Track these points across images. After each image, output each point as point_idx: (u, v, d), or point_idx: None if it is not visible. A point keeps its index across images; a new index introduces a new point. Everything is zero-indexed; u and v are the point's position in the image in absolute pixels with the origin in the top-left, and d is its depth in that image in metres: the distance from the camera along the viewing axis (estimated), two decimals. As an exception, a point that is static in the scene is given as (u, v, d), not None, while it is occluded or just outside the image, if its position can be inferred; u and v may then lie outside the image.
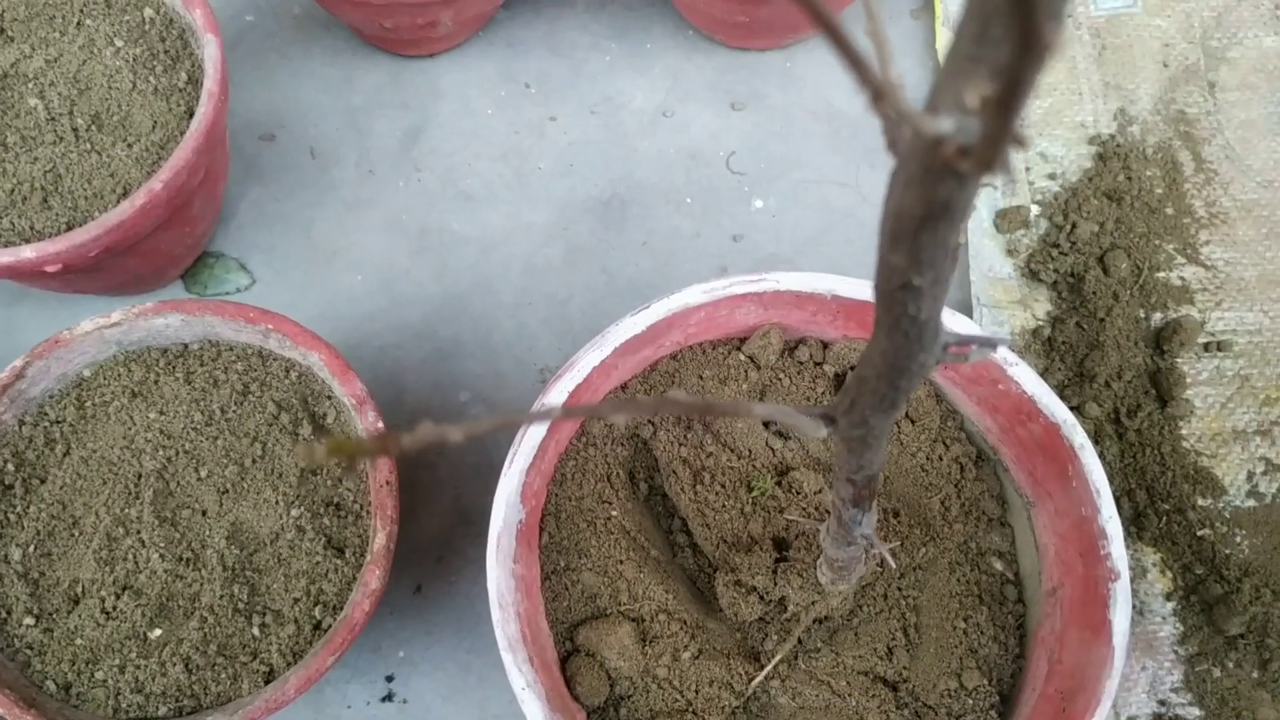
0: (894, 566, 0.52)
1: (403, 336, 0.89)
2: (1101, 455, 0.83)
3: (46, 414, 0.71)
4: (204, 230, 0.86)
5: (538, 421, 0.62)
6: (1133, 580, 0.81)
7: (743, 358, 0.69)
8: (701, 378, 0.68)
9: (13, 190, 0.75)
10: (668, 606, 0.63)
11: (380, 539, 0.67)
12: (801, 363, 0.69)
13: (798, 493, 0.65)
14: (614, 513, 0.65)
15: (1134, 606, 0.80)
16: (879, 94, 0.21)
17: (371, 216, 0.93)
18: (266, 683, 0.66)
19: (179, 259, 0.86)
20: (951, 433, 0.69)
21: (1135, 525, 0.82)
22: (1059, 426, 0.63)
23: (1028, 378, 0.63)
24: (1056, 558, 0.65)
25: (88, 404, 0.72)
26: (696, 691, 0.61)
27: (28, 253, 0.71)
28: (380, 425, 0.69)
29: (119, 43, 0.80)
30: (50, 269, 0.72)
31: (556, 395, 0.64)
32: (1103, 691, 0.58)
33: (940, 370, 0.68)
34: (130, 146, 0.77)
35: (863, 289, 0.66)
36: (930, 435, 0.68)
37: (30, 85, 0.78)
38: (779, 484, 0.65)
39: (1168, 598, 0.81)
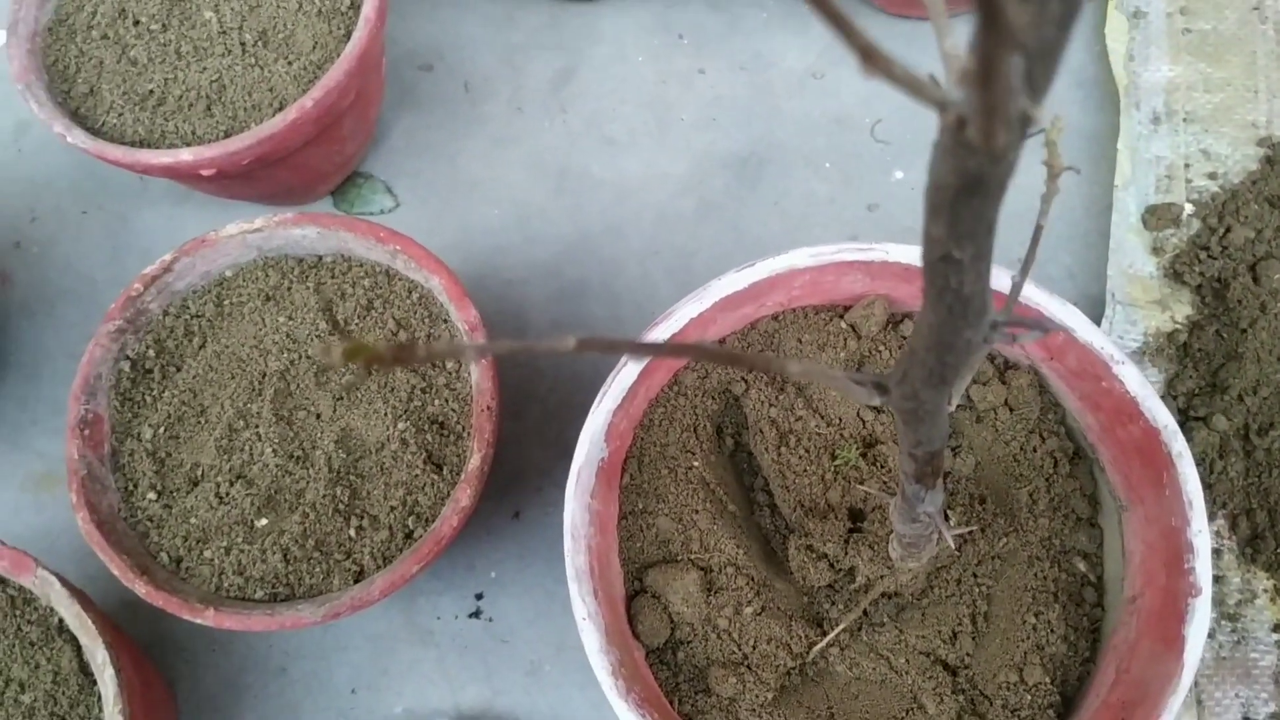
0: (953, 548, 0.52)
1: (531, 272, 0.91)
2: (1224, 471, 0.80)
3: (188, 307, 0.77)
4: (354, 151, 0.90)
5: (631, 355, 0.64)
6: (1239, 604, 0.78)
7: (844, 325, 0.69)
8: (800, 341, 0.68)
9: (181, 96, 0.80)
10: (737, 560, 0.64)
11: (475, 460, 0.69)
12: (905, 337, 0.68)
13: (881, 466, 0.65)
14: (696, 463, 0.66)
15: (1235, 632, 0.77)
16: (867, 56, 0.22)
17: (515, 153, 0.96)
18: (356, 582, 0.70)
19: (329, 176, 0.90)
20: (1051, 425, 0.67)
21: (1251, 547, 0.79)
22: (1159, 431, 0.61)
23: (1132, 377, 0.61)
24: (1141, 565, 0.63)
25: (226, 302, 0.77)
26: (754, 647, 0.62)
27: (186, 155, 0.76)
28: (490, 354, 0.72)
29: (291, -36, 0.84)
30: (205, 173, 0.77)
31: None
32: (1165, 707, 0.56)
33: (1046, 361, 0.67)
34: (290, 64, 0.81)
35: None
36: (1028, 426, 0.67)
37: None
38: (864, 455, 0.65)
39: (1275, 628, 0.77)
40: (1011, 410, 0.67)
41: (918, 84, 0.23)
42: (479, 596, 0.83)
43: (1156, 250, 0.88)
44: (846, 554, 0.62)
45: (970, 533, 0.61)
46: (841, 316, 0.69)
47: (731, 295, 0.65)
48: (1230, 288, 0.84)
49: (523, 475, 0.86)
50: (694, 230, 0.91)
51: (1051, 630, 0.63)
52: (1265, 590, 0.78)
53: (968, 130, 0.23)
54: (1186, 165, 0.90)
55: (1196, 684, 0.76)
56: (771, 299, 0.68)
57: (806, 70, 0.96)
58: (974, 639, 0.63)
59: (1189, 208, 0.88)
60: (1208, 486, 0.80)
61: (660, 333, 0.65)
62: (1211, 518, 0.80)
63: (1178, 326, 0.85)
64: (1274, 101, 0.91)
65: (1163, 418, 0.61)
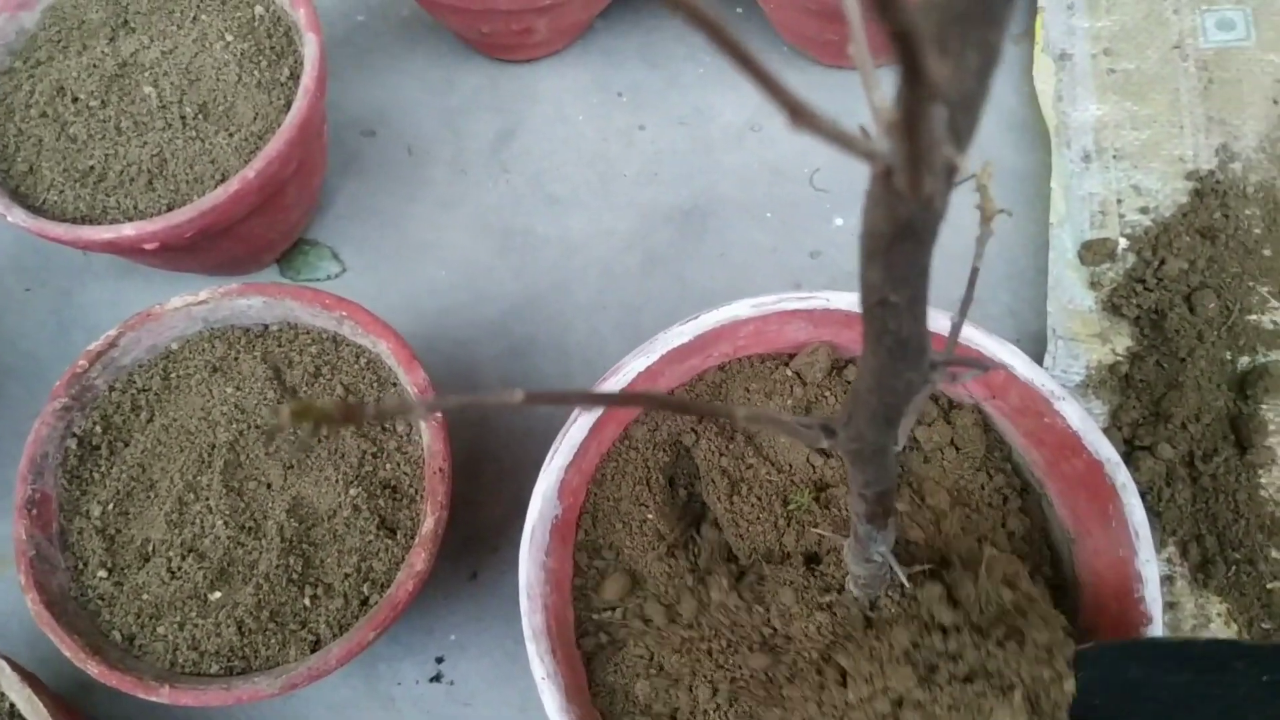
0: (909, 587, 0.52)
1: (480, 332, 0.92)
2: (1172, 498, 0.81)
3: (135, 382, 0.76)
4: (298, 219, 0.90)
5: (580, 407, 0.64)
6: (1195, 629, 0.79)
7: (790, 373, 0.69)
8: (748, 390, 0.69)
9: (122, 171, 0.80)
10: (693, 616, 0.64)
11: (429, 523, 0.69)
12: (849, 381, 0.69)
13: (834, 509, 0.65)
14: (650, 515, 0.67)
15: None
16: (794, 112, 0.22)
17: (460, 214, 0.96)
18: (312, 651, 0.69)
19: (274, 244, 0.90)
20: (997, 463, 0.68)
21: (1202, 572, 0.80)
22: (1102, 464, 0.62)
23: (1073, 413, 0.63)
24: (1093, 598, 0.63)
25: (173, 375, 0.77)
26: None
27: (128, 230, 0.76)
28: (440, 415, 0.72)
29: (229, 37, 0.85)
30: (148, 246, 0.77)
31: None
32: (1125, 736, 0.57)
33: (989, 399, 0.68)
34: (231, 135, 0.82)
35: (913, 312, 0.66)
36: (974, 464, 0.68)
37: (146, 74, 0.84)
38: (816, 499, 0.65)
39: (1231, 651, 0.78)
40: (958, 449, 0.68)
41: (845, 137, 0.23)
42: (439, 660, 0.82)
43: (1094, 285, 0.89)
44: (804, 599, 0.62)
45: (924, 571, 0.61)
46: (787, 364, 0.70)
47: (678, 348, 0.66)
48: (1167, 318, 0.86)
49: (479, 536, 0.86)
50: (640, 284, 0.92)
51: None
52: (1219, 614, 0.79)
53: (895, 180, 0.24)
54: (1119, 201, 0.92)
55: (1157, 712, 0.77)
56: (717, 350, 0.69)
57: (745, 123, 0.98)
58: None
59: (1123, 242, 0.90)
60: (1156, 514, 0.81)
61: (609, 387, 0.65)
62: (1162, 545, 0.81)
63: (1119, 358, 0.87)
64: (1199, 136, 0.94)
65: (1105, 451, 0.62)
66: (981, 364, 0.38)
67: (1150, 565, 0.60)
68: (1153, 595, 0.59)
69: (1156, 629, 0.59)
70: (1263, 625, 0.78)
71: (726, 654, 0.61)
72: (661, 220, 0.95)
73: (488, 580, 0.85)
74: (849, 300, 0.66)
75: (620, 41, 1.02)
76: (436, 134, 0.99)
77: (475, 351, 0.91)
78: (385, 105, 1.01)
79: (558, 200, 0.96)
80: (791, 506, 0.65)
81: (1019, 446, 0.68)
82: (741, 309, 0.66)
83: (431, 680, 0.82)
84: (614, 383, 0.65)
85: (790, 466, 0.67)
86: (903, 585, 0.56)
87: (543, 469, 0.64)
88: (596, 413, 0.65)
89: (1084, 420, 0.62)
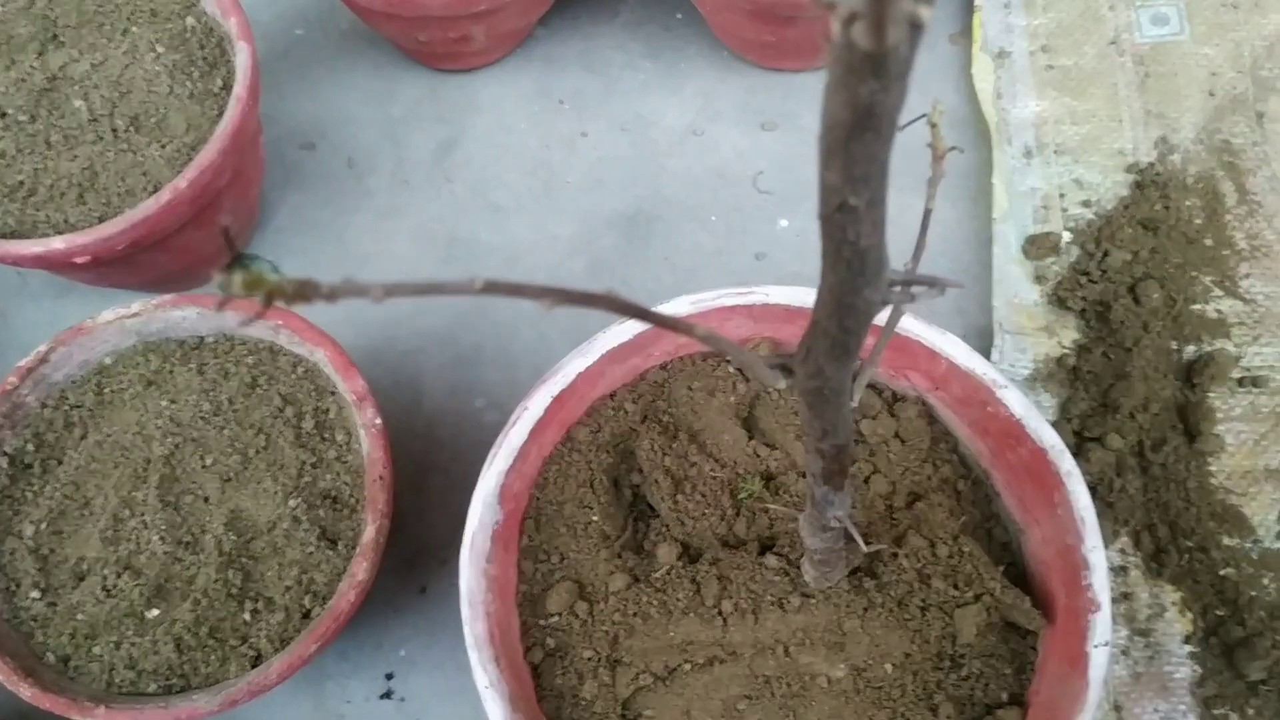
0: (864, 549, 0.51)
1: (425, 341, 0.91)
2: (1123, 489, 0.81)
3: (67, 398, 0.75)
4: (236, 231, 0.89)
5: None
6: (1150, 619, 0.79)
7: (732, 370, 0.69)
8: (690, 389, 0.68)
9: (52, 185, 0.79)
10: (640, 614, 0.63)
11: (369, 532, 0.68)
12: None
13: (785, 494, 0.64)
14: (594, 518, 0.66)
15: (1149, 646, 0.77)
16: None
17: (403, 225, 0.95)
18: (253, 666, 0.67)
19: (212, 258, 0.89)
20: (943, 454, 0.68)
21: (1155, 561, 0.80)
22: (1046, 451, 0.61)
23: (1016, 401, 0.62)
24: (1042, 588, 0.63)
25: (106, 390, 0.75)
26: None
27: (57, 244, 0.74)
28: (379, 422, 0.71)
29: (160, 49, 0.83)
30: (79, 260, 0.75)
31: (540, 400, 0.64)
32: (1074, 722, 0.56)
33: (932, 391, 0.67)
34: (164, 147, 0.80)
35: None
36: (920, 455, 0.67)
37: (76, 88, 0.82)
38: (765, 487, 0.65)
39: (1186, 640, 0.78)
40: (903, 441, 0.67)
41: None
42: (389, 676, 0.81)
43: (1039, 279, 0.90)
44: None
45: (881, 551, 0.61)
46: (729, 361, 0.70)
47: (618, 347, 0.65)
48: (1112, 309, 0.86)
49: (427, 549, 0.84)
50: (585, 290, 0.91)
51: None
52: (1173, 603, 0.79)
53: (857, 31, 0.23)
54: (1061, 195, 0.92)
55: (1118, 705, 0.76)
56: (658, 348, 0.68)
57: (687, 128, 0.98)
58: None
59: (1067, 235, 0.91)
60: (1108, 505, 0.81)
61: (551, 388, 0.65)
62: (1115, 536, 0.81)
63: (1066, 351, 0.87)
64: (1138, 129, 0.94)
65: (1049, 438, 0.61)
66: (938, 282, 0.37)
67: (1097, 551, 0.59)
68: (1100, 582, 0.59)
69: (1105, 616, 0.58)
70: (1216, 612, 0.78)
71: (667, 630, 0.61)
72: (605, 226, 0.94)
73: (437, 593, 0.83)
74: (789, 294, 0.65)
75: (561, 49, 1.02)
76: (377, 145, 0.98)
77: (421, 361, 0.90)
78: (325, 118, 1.00)
79: (501, 208, 0.95)
80: (742, 496, 0.64)
81: (964, 438, 0.68)
82: (681, 306, 0.65)
83: (382, 697, 0.80)
84: (554, 383, 0.64)
85: (735, 462, 0.66)
86: (859, 564, 0.56)
87: (482, 473, 0.63)
88: (537, 413, 0.64)
89: (1026, 408, 0.62)
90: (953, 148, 0.42)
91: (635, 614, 0.62)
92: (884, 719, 0.59)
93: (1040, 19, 1.00)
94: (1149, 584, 0.80)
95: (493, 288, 0.28)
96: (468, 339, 0.91)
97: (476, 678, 0.59)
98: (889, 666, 0.59)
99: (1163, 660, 0.78)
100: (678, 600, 0.62)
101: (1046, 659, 0.61)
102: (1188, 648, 0.78)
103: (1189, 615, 0.79)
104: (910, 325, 0.64)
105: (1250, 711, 0.76)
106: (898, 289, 0.36)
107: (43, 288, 0.94)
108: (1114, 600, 0.79)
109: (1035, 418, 0.62)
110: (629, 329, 0.65)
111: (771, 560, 0.62)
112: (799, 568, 0.61)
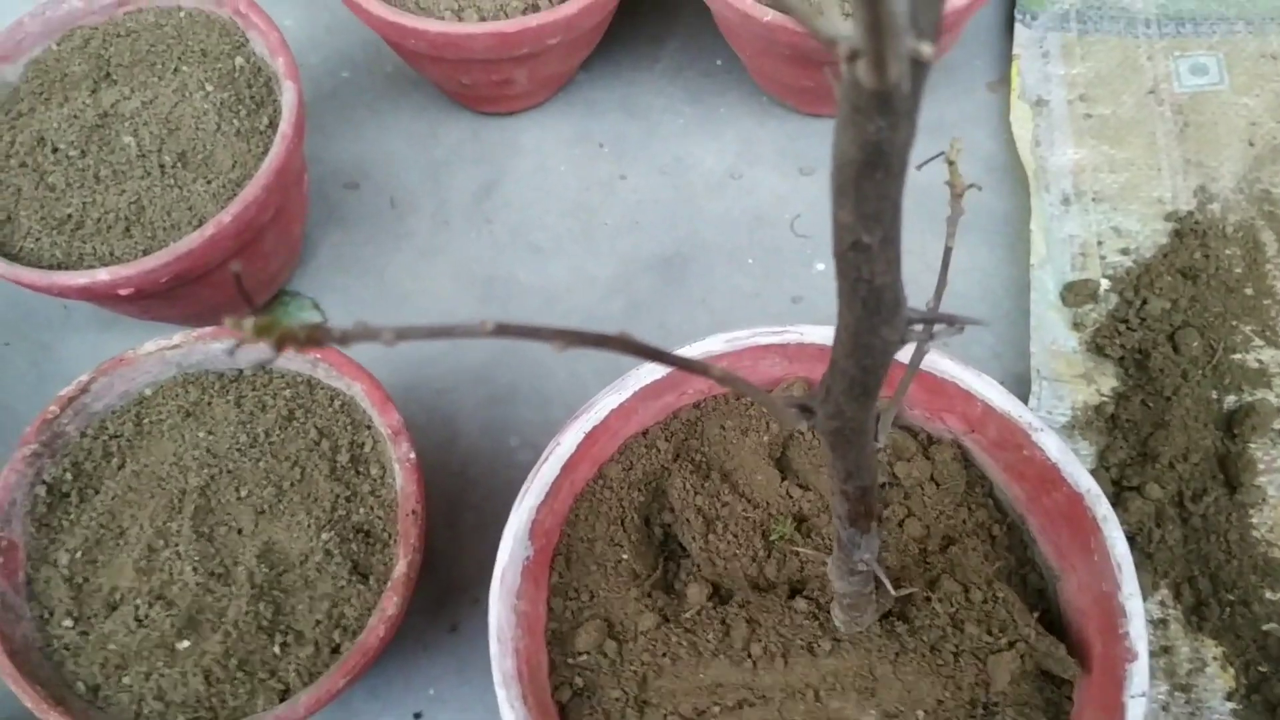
0: (893, 594, 0.51)
1: (460, 380, 0.91)
2: (1163, 539, 0.79)
3: (106, 428, 0.75)
4: (278, 268, 0.90)
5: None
6: (1190, 674, 0.77)
7: (765, 409, 0.69)
8: (724, 428, 0.68)
9: (99, 219, 0.80)
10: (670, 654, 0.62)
11: (401, 567, 0.68)
12: (827, 418, 0.68)
13: (816, 537, 0.64)
14: (625, 556, 0.65)
15: (1190, 703, 0.76)
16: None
17: (442, 264, 0.96)
18: (281, 700, 0.67)
19: (253, 293, 0.90)
20: (978, 498, 0.67)
21: (1196, 615, 0.78)
22: (1082, 496, 0.60)
23: (1052, 444, 0.62)
24: (1078, 636, 0.62)
25: (145, 421, 0.76)
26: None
27: (103, 275, 0.76)
28: (414, 456, 0.71)
29: (209, 87, 0.85)
30: (123, 292, 0.77)
31: (572, 436, 0.64)
32: (1111, 776, 0.55)
33: (967, 434, 0.67)
34: (209, 183, 0.82)
35: (888, 345, 0.65)
36: (955, 499, 0.67)
37: (126, 124, 0.84)
38: (798, 529, 0.64)
39: (1228, 696, 0.76)
40: (938, 485, 0.67)
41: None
42: (418, 716, 0.80)
43: (1077, 325, 0.89)
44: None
45: (914, 595, 0.60)
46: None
47: (651, 384, 0.65)
48: (1151, 358, 0.85)
49: (458, 587, 0.84)
50: (622, 330, 0.91)
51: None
52: (1215, 658, 0.77)
53: (859, 66, 0.23)
54: (1099, 243, 0.92)
55: (1154, 759, 0.75)
56: (692, 386, 0.68)
57: (725, 171, 0.98)
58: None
59: (1105, 283, 0.90)
60: (1147, 556, 0.79)
61: (583, 424, 0.65)
62: (1155, 588, 0.79)
63: (1104, 399, 0.86)
64: (1177, 178, 0.94)
65: (1085, 482, 0.61)
66: (958, 320, 0.37)
67: (1134, 600, 0.58)
68: (1138, 631, 0.58)
69: (1142, 666, 0.57)
70: (1259, 668, 0.76)
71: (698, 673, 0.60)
72: (643, 268, 0.95)
73: (468, 632, 0.83)
74: (824, 334, 0.65)
75: (602, 93, 1.03)
76: (419, 186, 1.00)
77: (456, 400, 0.90)
78: (368, 158, 1.01)
79: (539, 249, 0.96)
80: (773, 537, 0.64)
81: (999, 482, 0.67)
82: (715, 344, 0.66)
83: (409, 735, 0.80)
84: (587, 420, 0.65)
85: (767, 503, 0.66)
86: (890, 608, 0.55)
87: (514, 508, 0.63)
88: (570, 449, 0.64)
89: (1063, 452, 0.61)
90: (971, 185, 0.42)
91: (665, 654, 0.61)
92: (916, 767, 0.58)
93: (1079, 68, 1.00)
94: (1189, 638, 0.78)
95: (503, 330, 0.28)
96: (502, 378, 0.91)
97: (504, 715, 0.58)
98: (921, 714, 0.58)
99: (1204, 717, 0.76)
100: (707, 642, 0.61)
101: (1082, 709, 0.60)
102: (1230, 705, 0.76)
103: (1231, 671, 0.77)
104: (946, 367, 0.64)
105: (1293, 771, 0.74)
106: (917, 328, 0.36)
107: (87, 320, 0.96)
108: (1153, 654, 0.78)
109: (1071, 461, 0.61)
110: (663, 368, 0.65)
111: (801, 604, 0.61)
112: (829, 612, 0.60)
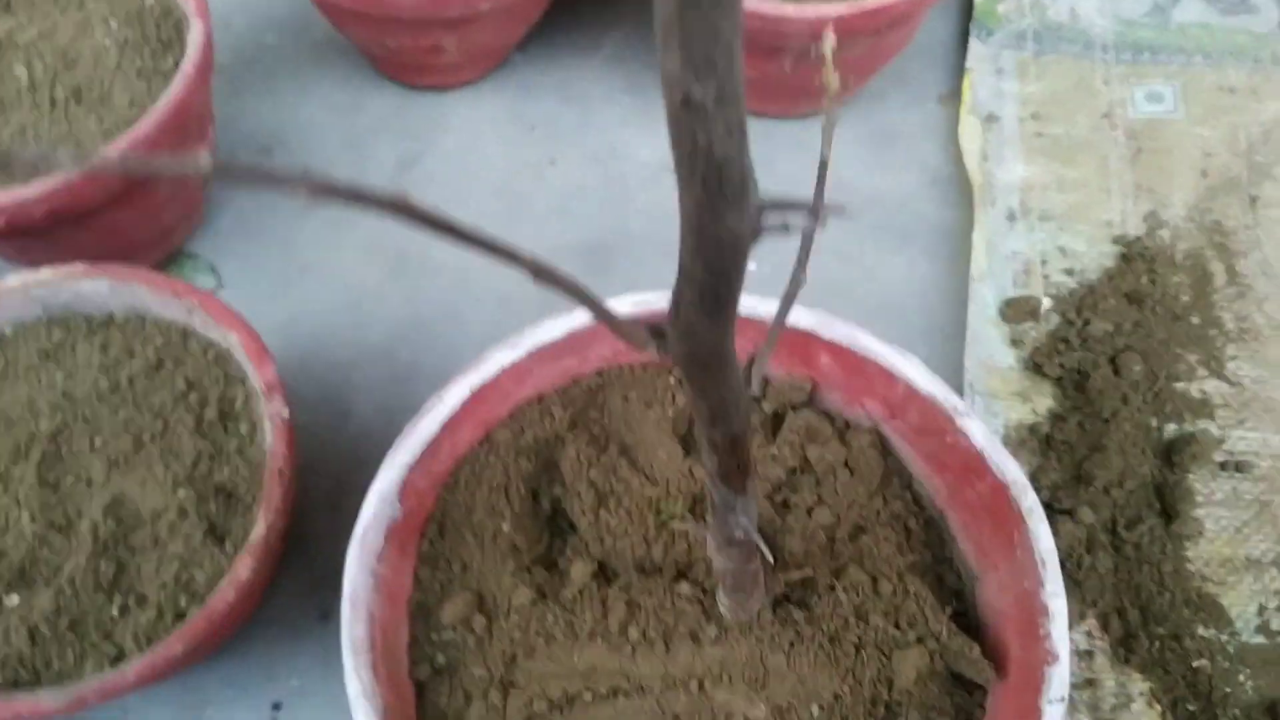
0: (779, 576, 0.45)
1: (360, 355, 0.85)
2: (1093, 567, 0.75)
3: (-44, 366, 0.69)
4: (172, 223, 0.84)
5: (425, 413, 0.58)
6: (1114, 709, 0.72)
7: (672, 381, 0.63)
8: (627, 399, 0.63)
9: (-23, 147, 0.75)
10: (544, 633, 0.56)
11: (259, 529, 0.62)
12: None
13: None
14: (505, 527, 0.59)
15: (1113, 740, 0.71)
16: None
17: (353, 237, 0.91)
18: (113, 666, 0.60)
19: (144, 248, 0.84)
20: (895, 490, 0.62)
21: (1124, 647, 0.73)
22: (1008, 487, 0.55)
23: (978, 430, 0.57)
24: (995, 640, 0.57)
25: (0, 362, 0.69)
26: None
27: (-32, 201, 0.70)
28: (285, 414, 0.65)
29: (113, 23, 0.80)
30: (-8, 223, 0.71)
31: (457, 393, 0.59)
32: (1021, 790, 0.49)
33: (888, 419, 0.62)
34: (102, 121, 0.76)
35: (809, 317, 0.60)
36: (870, 489, 0.61)
37: (19, 54, 0.78)
38: (691, 511, 0.59)
39: (1154, 735, 0.71)
40: (852, 472, 0.61)
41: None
42: (276, 707, 0.73)
43: (1016, 343, 0.85)
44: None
45: (815, 583, 0.55)
46: (670, 372, 0.64)
47: (549, 345, 0.60)
48: (1091, 379, 0.81)
49: (334, 572, 0.76)
50: (538, 316, 0.86)
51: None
52: (1141, 694, 0.72)
53: None
54: (1043, 261, 0.88)
55: (1073, 801, 0.69)
56: (595, 351, 0.63)
57: (661, 164, 0.94)
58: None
59: (1047, 301, 0.86)
60: (1076, 584, 0.74)
61: (471, 380, 0.59)
62: (1082, 617, 0.74)
63: (1039, 419, 0.82)
64: (1127, 201, 0.91)
65: (1011, 473, 0.56)
66: (818, 209, 0.31)
67: (1058, 599, 0.53)
68: (1060, 632, 0.52)
69: (1063, 669, 0.52)
70: (1188, 706, 0.71)
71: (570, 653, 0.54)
72: (568, 254, 0.90)
73: (340, 623, 0.76)
74: (740, 304, 0.60)
75: (539, 77, 0.99)
76: (337, 156, 0.95)
77: (353, 376, 0.84)
78: (285, 126, 0.96)
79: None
80: (663, 517, 0.58)
81: (920, 474, 0.62)
82: (621, 305, 0.60)
83: (267, 729, 0.73)
84: (474, 376, 0.59)
85: (666, 480, 0.60)
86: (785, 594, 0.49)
87: (383, 464, 0.58)
88: (453, 407, 0.59)
89: (988, 439, 0.57)
90: (840, 90, 0.37)
91: (538, 633, 0.55)
92: (805, 766, 0.52)
93: (1033, 86, 0.97)
94: (1116, 671, 0.73)
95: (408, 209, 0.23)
96: (406, 356, 0.85)
97: (349, 685, 0.52)
98: (815, 708, 0.52)
99: (1128, 757, 0.71)
100: (585, 623, 0.55)
101: (995, 717, 0.54)
102: (1156, 745, 0.71)
103: (1158, 708, 0.72)
104: (867, 344, 0.59)
105: (1219, 819, 0.69)
106: (768, 214, 0.30)
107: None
108: (1077, 686, 0.72)
109: (997, 449, 0.56)
110: (562, 325, 0.60)
111: (685, 588, 0.55)
112: (715, 597, 0.54)
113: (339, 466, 0.81)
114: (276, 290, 0.88)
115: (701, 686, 0.53)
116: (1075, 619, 0.74)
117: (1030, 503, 0.55)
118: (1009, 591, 0.56)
